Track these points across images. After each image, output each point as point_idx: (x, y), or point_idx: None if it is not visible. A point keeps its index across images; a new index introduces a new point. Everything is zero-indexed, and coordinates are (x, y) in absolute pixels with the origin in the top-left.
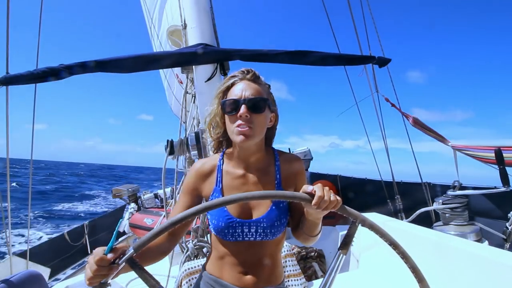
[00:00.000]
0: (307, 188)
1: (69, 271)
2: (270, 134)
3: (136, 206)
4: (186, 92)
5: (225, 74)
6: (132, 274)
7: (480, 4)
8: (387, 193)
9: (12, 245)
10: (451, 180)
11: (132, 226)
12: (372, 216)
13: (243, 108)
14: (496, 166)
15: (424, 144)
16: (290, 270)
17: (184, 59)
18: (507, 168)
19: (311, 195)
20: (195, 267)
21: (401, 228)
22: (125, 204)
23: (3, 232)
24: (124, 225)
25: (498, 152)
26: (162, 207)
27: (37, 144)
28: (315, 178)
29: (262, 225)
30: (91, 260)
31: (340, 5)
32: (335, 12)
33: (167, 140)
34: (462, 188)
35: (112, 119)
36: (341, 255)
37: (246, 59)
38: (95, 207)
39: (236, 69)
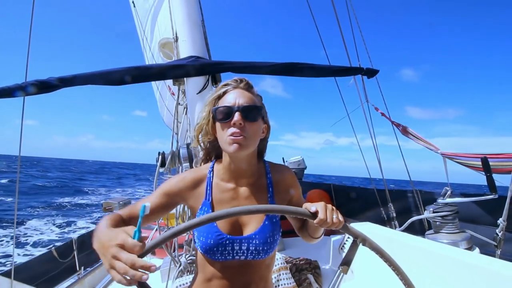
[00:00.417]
0: (311, 208)
1: None
2: (261, 146)
3: None
4: (178, 104)
5: (216, 86)
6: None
7: (475, 4)
8: (380, 201)
9: None
10: (442, 176)
11: None
12: (365, 226)
13: (237, 115)
14: (484, 173)
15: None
16: (285, 284)
17: (175, 71)
18: (494, 176)
19: (314, 214)
20: (187, 283)
21: (394, 238)
22: None
23: None
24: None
25: (485, 161)
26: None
27: (28, 140)
28: (308, 187)
29: (254, 241)
30: (122, 254)
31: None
32: (324, 24)
33: (159, 153)
34: (453, 195)
35: (106, 116)
36: (342, 274)
37: (237, 71)
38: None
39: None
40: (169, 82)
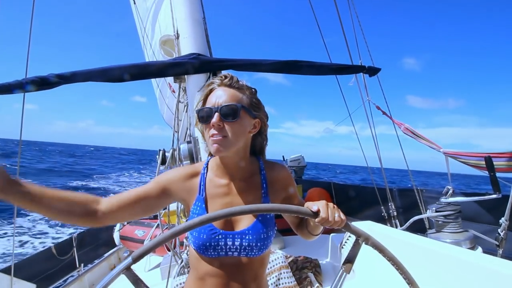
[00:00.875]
0: (313, 207)
1: (56, 287)
2: (258, 141)
3: None
4: (179, 101)
5: None
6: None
7: None
8: (381, 199)
9: None
10: (440, 166)
11: (123, 238)
12: (367, 225)
13: (215, 117)
14: (487, 173)
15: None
16: (286, 283)
17: (176, 69)
18: (498, 175)
19: (316, 213)
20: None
21: (396, 237)
22: None
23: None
24: (115, 237)
25: (488, 160)
26: (154, 217)
27: (28, 125)
28: (308, 185)
29: (247, 237)
30: None
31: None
32: (326, 23)
33: (159, 150)
34: (455, 194)
35: (105, 101)
36: (344, 273)
37: (238, 69)
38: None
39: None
40: (170, 79)
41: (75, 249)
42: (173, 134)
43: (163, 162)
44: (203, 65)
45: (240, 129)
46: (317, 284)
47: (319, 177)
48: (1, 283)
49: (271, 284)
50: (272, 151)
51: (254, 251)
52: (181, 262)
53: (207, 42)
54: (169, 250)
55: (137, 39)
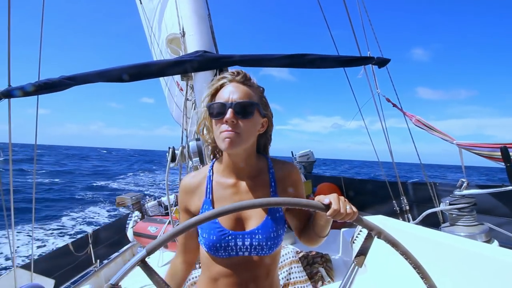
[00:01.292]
0: (324, 200)
1: (73, 282)
2: (263, 140)
3: (140, 214)
4: (187, 99)
5: None
6: (142, 280)
7: None
8: (392, 193)
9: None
10: (452, 158)
11: (136, 234)
12: (378, 219)
13: (229, 113)
14: (503, 164)
15: None
16: (297, 277)
17: (182, 66)
18: None
19: (328, 206)
20: (197, 276)
21: (409, 231)
22: (129, 213)
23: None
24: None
25: (505, 150)
26: (166, 214)
27: (41, 129)
28: (318, 180)
29: (257, 236)
30: None
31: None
32: (333, 13)
33: (169, 148)
34: (469, 187)
35: (114, 103)
36: (356, 267)
37: (244, 64)
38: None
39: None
40: (178, 77)
41: (91, 245)
42: (182, 132)
43: (173, 159)
44: (210, 62)
45: (252, 127)
46: (329, 279)
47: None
48: (22, 278)
49: (282, 278)
50: (279, 148)
51: (265, 250)
52: None
53: (213, 39)
54: None
55: (137, 39)
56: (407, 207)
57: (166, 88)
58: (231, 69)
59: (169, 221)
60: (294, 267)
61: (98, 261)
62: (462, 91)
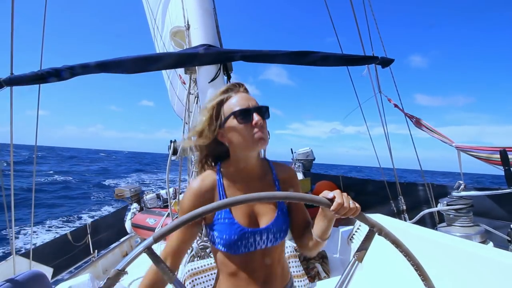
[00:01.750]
0: (328, 194)
1: (71, 271)
2: None
3: (139, 206)
4: (189, 93)
5: (228, 75)
6: (134, 274)
7: None
8: (390, 193)
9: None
10: (450, 165)
11: (135, 226)
12: (376, 218)
13: (256, 116)
14: (502, 167)
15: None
16: (294, 271)
17: (187, 59)
18: None
19: (331, 200)
20: (199, 267)
21: (405, 230)
22: (127, 204)
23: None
24: (127, 225)
25: (504, 153)
26: (165, 207)
27: (40, 130)
28: (317, 178)
29: (272, 230)
30: None
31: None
32: (338, 12)
33: (170, 141)
34: (466, 189)
35: (114, 106)
36: (356, 262)
37: (248, 60)
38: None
39: (239, 69)
40: (180, 71)
41: (89, 236)
42: (184, 126)
43: (174, 152)
44: (215, 56)
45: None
46: (324, 275)
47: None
48: (21, 266)
49: None
50: (278, 153)
51: (278, 240)
52: (191, 251)
53: (218, 33)
54: None
55: (136, 40)
56: (404, 207)
57: (168, 81)
58: (241, 69)
59: (168, 213)
60: (292, 262)
61: (96, 251)
62: (460, 98)
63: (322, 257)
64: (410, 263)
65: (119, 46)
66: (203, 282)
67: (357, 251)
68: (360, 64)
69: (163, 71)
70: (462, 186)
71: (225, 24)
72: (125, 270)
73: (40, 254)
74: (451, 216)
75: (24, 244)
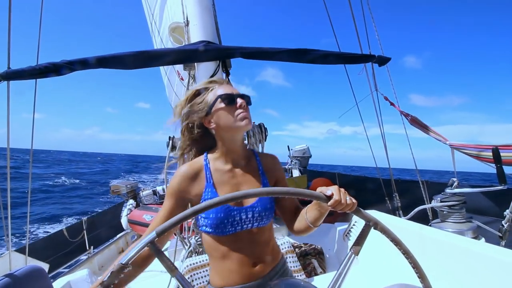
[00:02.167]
0: (327, 191)
1: (67, 267)
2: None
3: (135, 202)
4: (188, 89)
5: (227, 72)
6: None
7: None
8: (385, 191)
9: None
10: (446, 164)
11: (131, 222)
12: (372, 214)
13: (240, 99)
14: (494, 165)
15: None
16: (291, 267)
17: (186, 56)
18: (504, 167)
19: (329, 197)
20: (196, 263)
21: (399, 226)
22: (123, 201)
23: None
24: (123, 222)
25: (496, 151)
26: (161, 203)
27: (36, 133)
28: (313, 175)
29: (257, 209)
30: None
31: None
32: (332, 12)
33: (169, 137)
34: (460, 186)
35: (110, 108)
36: (353, 255)
37: (248, 57)
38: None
39: (238, 67)
40: (178, 67)
41: (85, 232)
42: (182, 122)
43: (173, 148)
44: (215, 52)
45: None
46: (320, 270)
47: None
48: (17, 261)
49: None
50: (276, 153)
51: (264, 220)
52: (189, 247)
53: (217, 29)
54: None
55: (136, 40)
56: (399, 204)
57: (166, 77)
58: (240, 66)
59: None
60: (289, 257)
61: (92, 247)
62: (454, 98)
63: (318, 253)
64: (405, 256)
65: (119, 47)
66: (201, 277)
67: (354, 245)
68: (358, 62)
69: (161, 67)
70: (455, 183)
71: (219, 22)
72: (129, 264)
73: (35, 250)
74: (444, 212)
75: (20, 240)
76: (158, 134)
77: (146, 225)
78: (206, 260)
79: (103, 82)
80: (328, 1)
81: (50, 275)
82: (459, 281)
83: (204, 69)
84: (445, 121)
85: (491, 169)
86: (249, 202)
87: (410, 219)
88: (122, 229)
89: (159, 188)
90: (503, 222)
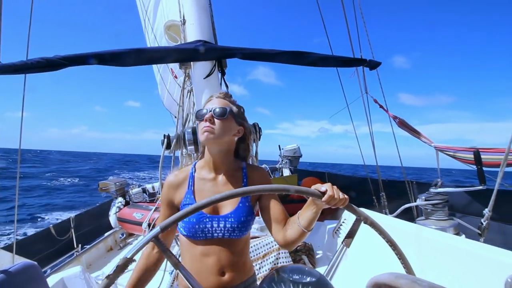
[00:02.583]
0: (320, 188)
1: (54, 265)
2: (242, 147)
3: (124, 200)
4: (183, 88)
5: (222, 71)
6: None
7: None
8: (373, 190)
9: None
10: (432, 162)
11: (121, 220)
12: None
13: (208, 114)
14: (474, 166)
15: None
16: (283, 262)
17: (184, 55)
18: (484, 169)
19: (323, 194)
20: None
21: (385, 223)
22: (112, 199)
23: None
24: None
25: (477, 154)
26: (151, 201)
27: (24, 132)
28: (303, 174)
29: (230, 220)
30: None
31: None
32: (324, 11)
33: (164, 135)
34: (443, 186)
35: (98, 107)
36: (344, 247)
37: (245, 58)
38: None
39: (234, 66)
40: (172, 65)
41: (72, 230)
42: (177, 120)
43: (168, 146)
44: (212, 52)
45: (225, 126)
46: (310, 265)
47: None
48: (3, 260)
49: (270, 262)
50: (268, 152)
51: (236, 232)
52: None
53: (213, 29)
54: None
55: (135, 41)
56: (386, 203)
57: (158, 74)
58: (236, 66)
59: (156, 207)
60: (282, 253)
61: (80, 245)
62: (442, 97)
63: (309, 250)
64: (391, 248)
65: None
66: None
67: (345, 238)
68: (351, 65)
69: (154, 65)
70: (439, 183)
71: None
72: (133, 258)
73: (22, 247)
74: (428, 210)
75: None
76: (148, 133)
77: (136, 223)
78: None
79: (90, 80)
80: (320, 2)
81: None
82: (442, 273)
83: (200, 68)
84: (433, 119)
85: (470, 166)
86: (224, 212)
87: (396, 216)
88: (110, 227)
89: (148, 186)
90: (482, 220)
